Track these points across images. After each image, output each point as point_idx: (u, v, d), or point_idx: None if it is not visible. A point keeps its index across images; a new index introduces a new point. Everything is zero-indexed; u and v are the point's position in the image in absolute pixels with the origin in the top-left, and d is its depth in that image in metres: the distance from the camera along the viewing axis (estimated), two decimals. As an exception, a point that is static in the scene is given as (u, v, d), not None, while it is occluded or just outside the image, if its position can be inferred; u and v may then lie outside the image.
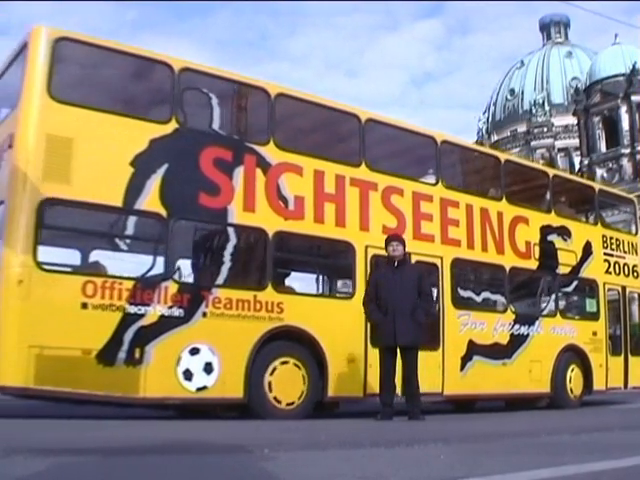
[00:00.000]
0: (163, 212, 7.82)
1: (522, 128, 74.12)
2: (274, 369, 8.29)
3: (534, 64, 76.73)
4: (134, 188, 7.70)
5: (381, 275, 8.40)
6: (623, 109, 55.48)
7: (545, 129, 72.37)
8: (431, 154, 10.69)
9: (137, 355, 7.42)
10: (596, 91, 57.49)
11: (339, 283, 10.33)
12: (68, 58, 7.77)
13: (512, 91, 77.60)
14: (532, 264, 11.60)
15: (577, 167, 61.77)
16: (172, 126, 8.09)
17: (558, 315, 11.88)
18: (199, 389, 7.78)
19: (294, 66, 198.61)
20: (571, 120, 64.59)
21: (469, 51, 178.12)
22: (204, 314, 7.90)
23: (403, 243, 8.48)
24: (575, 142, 63.77)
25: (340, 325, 8.81)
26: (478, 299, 11.27)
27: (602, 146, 57.18)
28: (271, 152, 8.79)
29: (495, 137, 77.26)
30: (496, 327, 10.74)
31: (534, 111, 73.18)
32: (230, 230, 8.57)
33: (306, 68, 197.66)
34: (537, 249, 11.64)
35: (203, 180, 8.23)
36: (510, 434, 6.45)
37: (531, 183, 12.61)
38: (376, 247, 8.97)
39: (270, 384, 8.25)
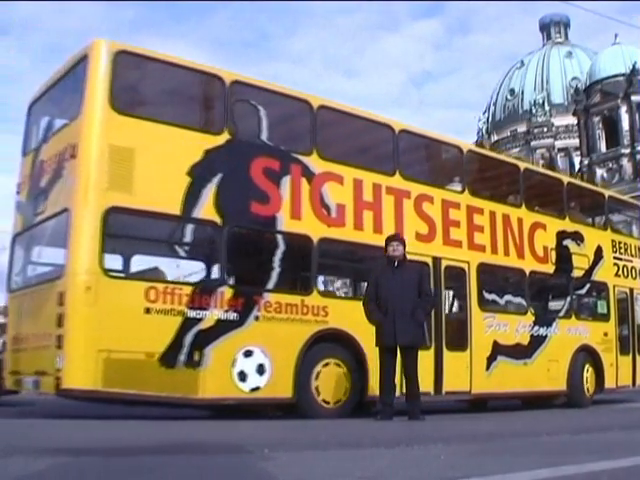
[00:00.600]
0: (218, 220, 8.24)
1: (522, 128, 74.12)
2: (320, 370, 8.70)
3: (534, 64, 76.72)
4: (191, 197, 8.08)
5: (381, 275, 8.40)
6: (623, 109, 55.49)
7: (545, 129, 72.38)
8: (458, 163, 11.22)
9: (196, 358, 7.80)
10: (596, 91, 57.49)
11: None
12: (127, 71, 8.10)
13: (512, 91, 77.59)
14: (549, 268, 12.12)
15: (577, 167, 61.77)
16: (225, 137, 8.50)
17: (573, 316, 12.39)
18: (252, 390, 8.19)
19: (293, 66, 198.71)
20: (571, 120, 64.59)
21: (469, 51, 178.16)
22: (256, 318, 8.33)
23: (403, 243, 8.49)
24: (575, 142, 63.77)
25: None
26: (501, 302, 11.85)
27: (602, 146, 57.18)
28: (314, 162, 9.22)
29: (495, 137, 77.27)
30: (518, 328, 11.25)
31: (534, 111, 73.18)
32: (279, 237, 8.88)
33: (305, 68, 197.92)
34: (553, 253, 12.18)
35: (254, 189, 8.65)
36: (510, 434, 6.45)
37: (547, 190, 13.08)
38: (410, 253, 9.08)
39: (316, 384, 8.67)
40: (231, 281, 8.53)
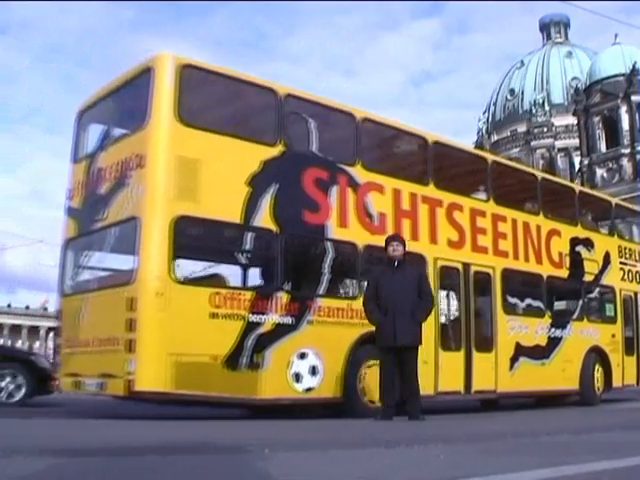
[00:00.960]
0: (274, 228, 8.68)
1: (522, 128, 74.13)
2: (365, 371, 9.11)
3: (534, 64, 76.71)
4: (250, 206, 8.51)
5: (381, 275, 8.40)
6: (623, 109, 55.47)
7: (545, 129, 72.38)
8: (483, 173, 11.82)
9: (257, 360, 8.23)
10: (596, 91, 57.47)
11: None
12: (191, 84, 8.44)
13: (512, 91, 77.59)
14: (564, 273, 12.80)
15: (577, 167, 61.79)
16: (279, 148, 8.94)
17: (585, 319, 13.02)
18: (306, 390, 8.63)
19: (292, 66, 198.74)
20: (571, 120, 64.57)
21: (468, 51, 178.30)
22: (310, 322, 8.80)
23: (403, 243, 8.50)
24: (575, 142, 63.75)
25: None
26: (522, 305, 12.37)
27: (602, 146, 57.17)
28: (359, 172, 9.70)
29: (495, 137, 77.29)
30: (537, 330, 11.89)
31: (534, 111, 73.19)
32: (328, 245, 9.38)
33: (304, 68, 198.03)
34: (567, 259, 12.86)
35: (306, 198, 9.13)
36: (510, 434, 6.45)
37: (561, 198, 13.73)
38: (443, 259, 10.30)
39: (362, 385, 9.10)
40: (287, 287, 8.91)
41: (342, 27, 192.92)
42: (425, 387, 9.04)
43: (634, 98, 55.02)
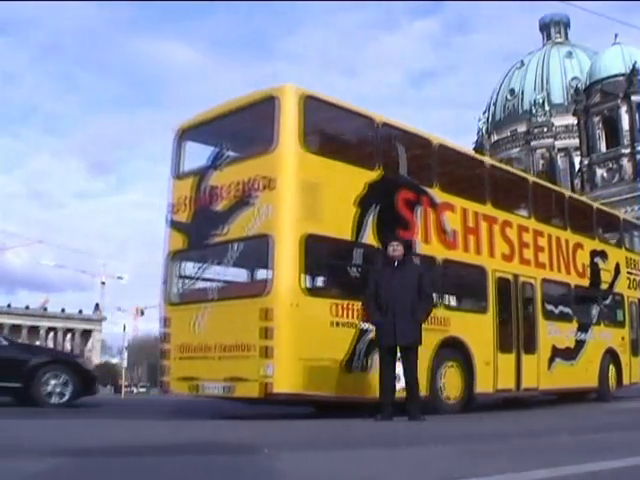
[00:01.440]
0: (377, 245, 9.40)
1: (522, 128, 74.15)
2: (443, 371, 10.12)
3: (534, 64, 76.73)
4: (359, 225, 9.43)
5: (381, 275, 8.41)
6: (623, 109, 55.56)
7: (545, 129, 72.41)
8: (526, 192, 13.13)
9: (366, 363, 9.03)
10: (596, 91, 57.55)
11: (475, 300, 11.78)
12: (312, 113, 9.23)
13: (512, 91, 77.60)
14: (585, 282, 14.09)
15: (577, 167, 61.82)
16: (378, 172, 9.82)
17: (602, 324, 14.33)
18: (402, 389, 8.85)
19: (291, 65, 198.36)
20: (571, 120, 64.65)
21: (468, 50, 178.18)
22: None
23: (403, 243, 8.50)
24: (575, 142, 63.83)
25: (479, 334, 10.84)
26: (556, 311, 13.35)
27: (602, 146, 57.25)
28: (437, 193, 10.71)
29: (495, 137, 77.33)
30: (567, 334, 13.14)
31: (534, 111, 73.21)
32: (417, 259, 10.08)
33: (304, 67, 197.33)
34: (588, 269, 14.18)
35: (398, 217, 10.10)
36: (510, 434, 6.45)
37: (582, 214, 14.96)
38: (500, 271, 11.53)
39: (441, 384, 10.06)
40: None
41: (342, 26, 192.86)
42: (486, 385, 10.70)
43: (634, 98, 55.09)
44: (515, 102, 76.95)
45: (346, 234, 9.27)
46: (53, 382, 11.39)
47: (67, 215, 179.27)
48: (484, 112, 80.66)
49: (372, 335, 8.79)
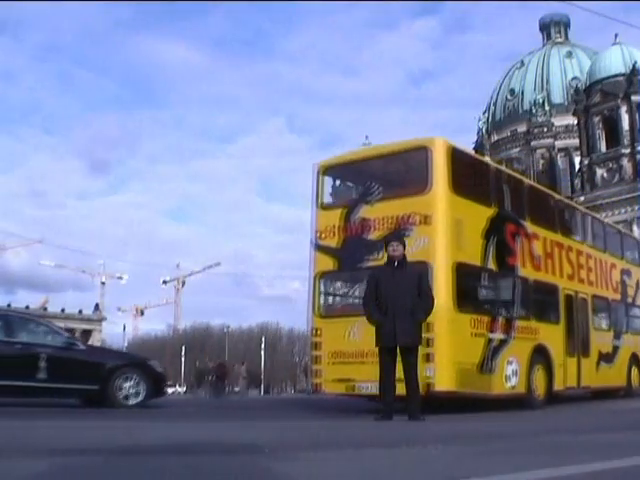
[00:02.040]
0: (494, 268, 11.90)
1: (522, 128, 74.03)
2: (535, 373, 12.36)
3: (534, 64, 76.61)
4: (485, 253, 11.67)
5: (381, 275, 8.41)
6: (623, 109, 55.48)
7: (545, 129, 72.29)
8: (581, 221, 16.33)
9: (492, 366, 11.28)
10: (596, 91, 57.47)
11: (552, 313, 13.79)
12: (455, 162, 11.24)
13: (512, 91, 77.47)
14: (618, 296, 16.82)
15: (577, 167, 61.76)
16: (494, 209, 12.12)
17: (628, 332, 16.91)
18: (511, 387, 11.72)
19: (290, 65, 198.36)
20: (571, 120, 64.55)
21: (467, 50, 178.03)
22: (513, 337, 11.95)
23: (403, 243, 8.51)
24: (575, 142, 63.72)
25: (555, 341, 13.23)
26: (600, 322, 16.03)
27: (602, 146, 57.17)
28: (529, 225, 13.09)
29: (495, 137, 77.25)
30: (607, 341, 15.75)
31: (534, 111, 73.08)
32: (517, 281, 12.66)
33: (303, 66, 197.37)
34: (619, 286, 16.94)
35: (507, 246, 12.30)
36: (509, 434, 6.45)
37: (614, 237, 17.86)
38: (566, 288, 14.12)
39: (534, 383, 12.30)
40: (502, 312, 12.10)
41: (341, 26, 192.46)
42: (559, 384, 13.20)
43: (634, 98, 55.02)
44: (515, 102, 76.84)
45: (477, 261, 11.51)
46: (128, 384, 11.92)
47: (66, 215, 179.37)
48: (484, 112, 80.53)
49: (495, 344, 11.42)
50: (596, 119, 57.45)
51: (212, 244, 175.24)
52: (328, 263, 11.95)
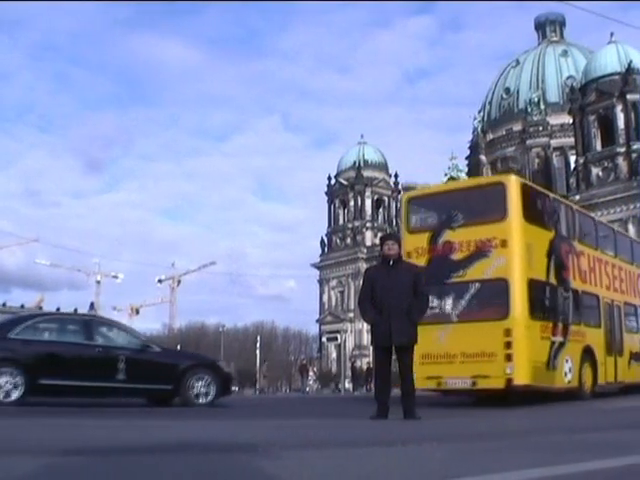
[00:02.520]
0: (555, 282, 14.18)
1: (517, 127, 74.14)
2: (584, 369, 14.63)
3: (529, 63, 76.70)
4: (547, 270, 13.90)
5: (376, 274, 8.40)
6: (618, 108, 55.56)
7: (541, 128, 72.38)
8: (614, 238, 18.73)
9: (555, 364, 13.57)
10: (592, 90, 57.54)
11: (595, 319, 16.00)
12: (525, 195, 13.53)
13: (507, 90, 77.55)
14: None
15: (572, 166, 61.83)
16: (553, 232, 14.56)
17: None
18: (568, 382, 14.00)
19: (285, 63, 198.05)
20: (567, 119, 64.63)
21: (463, 48, 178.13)
22: (569, 340, 14.16)
23: (398, 242, 8.50)
24: (571, 141, 63.78)
25: (598, 342, 15.55)
26: (630, 325, 18.17)
27: (598, 145, 57.24)
28: (577, 245, 15.51)
29: (491, 136, 77.32)
30: (636, 342, 17.97)
31: (529, 110, 73.16)
32: (570, 292, 14.83)
33: (298, 65, 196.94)
34: None
35: (562, 263, 14.56)
36: (505, 433, 6.46)
37: (638, 249, 20.21)
38: (605, 297, 16.44)
39: (584, 378, 14.58)
40: (561, 318, 14.20)
41: (335, 24, 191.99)
42: (601, 379, 15.43)
43: (629, 97, 55.12)
44: (510, 101, 76.94)
45: (543, 276, 13.75)
46: (199, 384, 12.50)
47: (62, 213, 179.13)
48: (479, 111, 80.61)
49: (556, 345, 13.64)
50: (591, 118, 57.52)
51: (207, 243, 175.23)
52: None
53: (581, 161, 57.91)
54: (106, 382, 11.67)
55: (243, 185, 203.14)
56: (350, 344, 76.16)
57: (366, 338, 63.97)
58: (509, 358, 12.40)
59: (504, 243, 13.01)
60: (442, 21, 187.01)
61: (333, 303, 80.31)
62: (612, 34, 57.38)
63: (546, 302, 14.18)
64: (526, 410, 11.50)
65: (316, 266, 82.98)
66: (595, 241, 16.81)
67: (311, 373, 63.23)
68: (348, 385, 52.77)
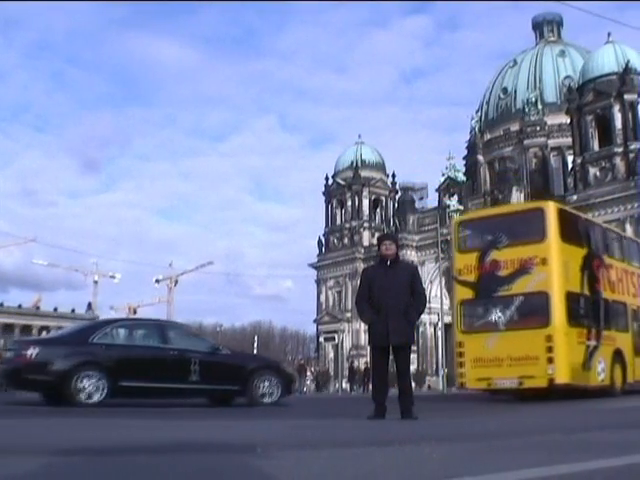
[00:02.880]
0: (588, 294, 16.24)
1: (515, 127, 74.09)
2: (614, 369, 16.41)
3: (527, 63, 76.68)
4: (581, 283, 16.05)
5: (374, 274, 8.38)
6: (616, 108, 55.59)
7: (538, 128, 72.34)
8: (636, 251, 20.35)
9: (590, 365, 15.55)
10: (589, 90, 57.59)
11: (623, 324, 17.85)
12: (561, 218, 15.63)
13: (505, 90, 77.53)
14: None
15: (570, 166, 61.85)
16: (585, 249, 16.63)
17: None
18: (601, 380, 15.90)
19: (282, 63, 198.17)
20: (564, 119, 64.61)
21: (460, 48, 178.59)
22: (601, 344, 16.12)
23: (396, 242, 8.48)
24: (568, 141, 63.82)
25: (626, 345, 17.40)
26: None
27: (595, 145, 57.28)
28: (607, 259, 17.51)
29: (488, 136, 77.28)
30: None
31: (527, 110, 73.14)
32: (602, 301, 16.79)
33: (294, 65, 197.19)
34: None
35: (594, 276, 16.51)
36: (503, 433, 6.44)
37: None
38: (631, 304, 18.31)
39: (615, 377, 16.34)
40: (594, 324, 16.14)
41: (332, 24, 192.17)
42: (630, 377, 17.16)
43: (627, 97, 55.16)
44: (508, 101, 76.91)
45: (578, 288, 15.84)
46: (265, 384, 13.17)
47: (59, 213, 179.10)
48: (477, 111, 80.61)
49: (591, 349, 15.67)
50: (589, 118, 57.56)
51: (204, 243, 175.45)
52: (467, 293, 16.37)
53: (579, 161, 57.93)
54: (181, 383, 12.32)
55: (240, 185, 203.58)
56: (348, 344, 76.07)
57: (364, 338, 63.98)
58: (551, 360, 14.50)
59: (544, 261, 15.06)
60: (439, 21, 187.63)
61: (330, 303, 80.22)
62: (609, 34, 57.46)
63: (581, 311, 16.22)
64: (528, 411, 11.48)
65: (313, 266, 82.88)
66: (621, 254, 18.82)
67: (309, 373, 63.32)
68: (345, 385, 52.77)
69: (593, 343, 15.81)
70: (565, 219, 15.99)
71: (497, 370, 15.08)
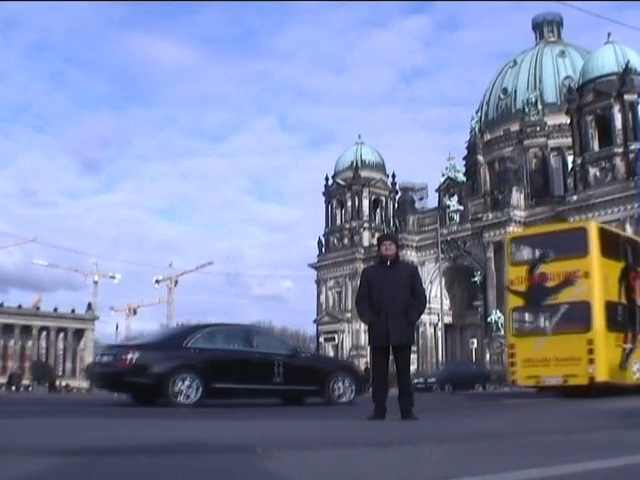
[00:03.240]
0: (625, 302, 17.89)
1: (515, 127, 74.11)
2: (637, 366, 17.88)
3: (527, 63, 76.69)
4: (619, 293, 17.64)
5: (374, 274, 8.38)
6: (616, 108, 55.63)
7: (538, 128, 72.37)
8: None
9: (626, 365, 17.29)
10: (589, 90, 57.62)
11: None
12: (602, 236, 17.43)
13: (505, 90, 77.54)
14: None
15: (570, 166, 61.86)
16: (623, 262, 18.18)
17: None
18: (636, 379, 17.52)
19: (281, 63, 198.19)
20: (564, 119, 64.66)
21: (459, 48, 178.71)
22: (636, 347, 17.74)
23: (396, 242, 8.47)
24: (568, 141, 63.88)
25: None
26: None
27: (595, 145, 57.32)
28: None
29: (488, 136, 77.30)
30: None
31: (527, 110, 73.16)
32: (637, 309, 18.23)
33: (294, 65, 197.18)
34: None
35: (630, 286, 18.03)
36: (502, 434, 6.44)
37: None
38: None
39: (638, 374, 17.81)
40: (630, 329, 17.77)
41: (332, 24, 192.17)
42: None
43: (627, 97, 55.20)
44: (508, 101, 76.92)
45: (616, 298, 17.49)
46: (341, 385, 13.86)
47: (59, 214, 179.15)
48: (477, 111, 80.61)
49: (627, 351, 17.37)
50: (589, 118, 57.60)
51: (204, 243, 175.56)
52: (518, 301, 18.31)
53: (578, 161, 57.96)
54: (266, 384, 13.04)
55: (240, 185, 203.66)
56: (347, 344, 76.09)
57: (363, 338, 64.01)
58: (591, 361, 16.19)
59: (586, 274, 16.82)
60: (438, 21, 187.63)
61: (330, 303, 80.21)
62: (609, 34, 57.54)
63: (619, 318, 17.84)
64: (526, 410, 11.47)
65: (313, 266, 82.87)
66: None
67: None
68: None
69: (629, 346, 17.48)
70: (605, 236, 17.81)
71: (545, 369, 16.86)
